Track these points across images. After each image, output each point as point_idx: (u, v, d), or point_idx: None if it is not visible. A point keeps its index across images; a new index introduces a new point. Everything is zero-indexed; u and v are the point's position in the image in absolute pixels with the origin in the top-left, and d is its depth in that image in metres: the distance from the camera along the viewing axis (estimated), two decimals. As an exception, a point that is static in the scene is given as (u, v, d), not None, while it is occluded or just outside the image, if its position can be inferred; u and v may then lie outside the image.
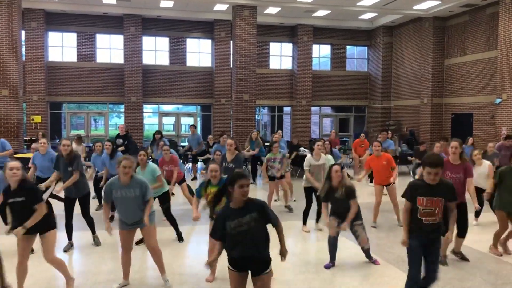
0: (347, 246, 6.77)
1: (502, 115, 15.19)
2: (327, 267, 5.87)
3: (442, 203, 4.02)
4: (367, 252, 6.08)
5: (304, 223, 7.83)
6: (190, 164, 14.51)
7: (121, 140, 12.42)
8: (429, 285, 4.22)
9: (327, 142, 10.09)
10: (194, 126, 14.45)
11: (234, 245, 3.56)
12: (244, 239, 3.52)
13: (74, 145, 11.85)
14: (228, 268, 3.67)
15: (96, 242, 6.80)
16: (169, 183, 8.13)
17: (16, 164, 4.50)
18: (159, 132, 12.48)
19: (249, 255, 3.57)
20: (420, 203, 3.99)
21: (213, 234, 3.69)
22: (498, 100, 15.30)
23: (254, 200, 3.61)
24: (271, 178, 9.01)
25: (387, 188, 8.03)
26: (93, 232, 6.85)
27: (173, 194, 9.68)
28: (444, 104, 19.10)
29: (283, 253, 3.69)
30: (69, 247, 6.57)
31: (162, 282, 5.18)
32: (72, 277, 4.94)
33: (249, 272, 3.66)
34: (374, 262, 6.06)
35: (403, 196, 4.23)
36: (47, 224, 4.63)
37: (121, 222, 5.03)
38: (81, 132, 20.53)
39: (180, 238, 7.07)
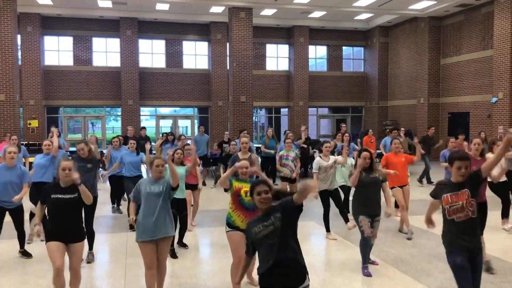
0: (344, 247, 6.78)
1: (499, 114, 15.25)
2: (367, 274, 5.63)
3: (469, 195, 3.82)
4: (370, 249, 5.97)
5: (328, 229, 7.47)
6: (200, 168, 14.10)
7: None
8: None
9: (346, 135, 10.21)
10: (202, 127, 14.25)
11: (265, 254, 3.23)
12: (274, 242, 3.18)
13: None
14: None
15: (89, 259, 6.20)
16: (187, 187, 7.96)
17: (69, 164, 4.52)
18: (172, 133, 12.26)
19: (282, 259, 3.17)
20: (446, 201, 3.85)
21: (247, 250, 3.44)
22: (494, 99, 15.35)
23: (275, 204, 3.33)
24: (284, 179, 8.73)
25: (402, 189, 7.68)
26: (90, 247, 6.23)
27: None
28: (441, 103, 19.16)
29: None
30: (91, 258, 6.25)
31: None
32: None
33: None
34: (372, 263, 6.04)
35: (430, 194, 4.09)
36: (81, 233, 4.63)
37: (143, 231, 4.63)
38: (79, 136, 20.50)
39: (183, 245, 6.87)
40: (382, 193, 5.89)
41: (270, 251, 3.20)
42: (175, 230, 5.49)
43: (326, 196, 7.39)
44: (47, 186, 4.66)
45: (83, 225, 4.76)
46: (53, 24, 19.68)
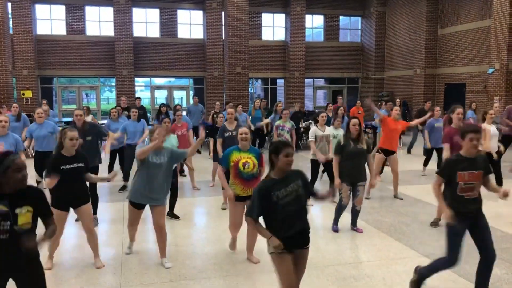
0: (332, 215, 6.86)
1: (495, 85, 15.22)
2: (335, 230, 6.11)
3: (482, 177, 3.91)
4: (356, 214, 6.14)
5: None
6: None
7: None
8: (492, 265, 3.98)
9: (341, 108, 10.30)
10: (196, 97, 14.28)
11: (285, 220, 3.28)
12: (296, 210, 3.30)
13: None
14: (275, 254, 3.31)
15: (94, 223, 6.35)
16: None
17: (75, 134, 4.68)
18: (165, 105, 12.24)
19: (301, 228, 3.37)
20: (462, 178, 3.84)
21: (251, 212, 3.32)
22: (490, 70, 15.30)
23: (293, 170, 3.41)
24: None
25: (390, 158, 7.90)
26: (94, 212, 6.35)
27: (182, 172, 9.66)
28: (437, 74, 19.08)
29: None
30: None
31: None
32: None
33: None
34: (356, 230, 6.16)
35: (439, 173, 4.05)
36: (87, 196, 4.91)
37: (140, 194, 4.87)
38: (73, 107, 20.34)
39: (174, 216, 6.79)
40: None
41: (292, 217, 3.32)
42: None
43: (317, 166, 7.55)
44: (53, 159, 4.73)
45: (88, 189, 5.01)
46: (44, -8, 19.26)
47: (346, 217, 6.28)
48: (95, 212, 6.42)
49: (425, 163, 10.08)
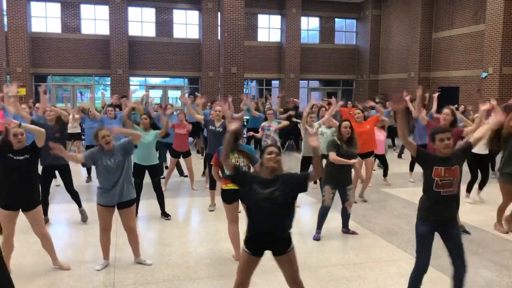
0: (330, 217, 6.89)
1: (488, 89, 15.33)
2: (316, 238, 5.90)
3: (460, 172, 3.79)
4: (348, 217, 6.12)
5: None
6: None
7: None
8: (462, 277, 3.86)
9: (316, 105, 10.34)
10: (192, 97, 14.28)
11: (255, 216, 3.41)
12: (267, 211, 3.34)
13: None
14: (242, 249, 3.53)
15: (83, 217, 6.48)
16: (177, 155, 8.36)
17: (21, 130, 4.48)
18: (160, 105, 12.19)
19: (268, 231, 3.40)
20: (437, 174, 3.72)
21: (223, 155, 3.60)
22: (484, 74, 15.41)
23: (283, 174, 3.49)
24: None
25: (366, 160, 7.81)
26: (79, 205, 6.53)
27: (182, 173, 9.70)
28: (431, 77, 19.20)
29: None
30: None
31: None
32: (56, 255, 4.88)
33: (266, 253, 3.53)
34: (353, 233, 6.13)
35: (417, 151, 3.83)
36: (36, 199, 4.68)
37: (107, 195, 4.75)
38: (68, 105, 20.22)
39: (165, 215, 6.77)
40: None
41: (261, 216, 3.37)
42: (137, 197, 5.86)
43: (307, 163, 7.51)
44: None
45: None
46: (39, -11, 19.18)
47: (337, 219, 6.30)
48: (80, 206, 6.50)
49: (411, 167, 9.80)
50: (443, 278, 4.73)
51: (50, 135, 5.71)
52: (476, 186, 7.96)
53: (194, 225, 6.83)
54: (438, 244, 5.57)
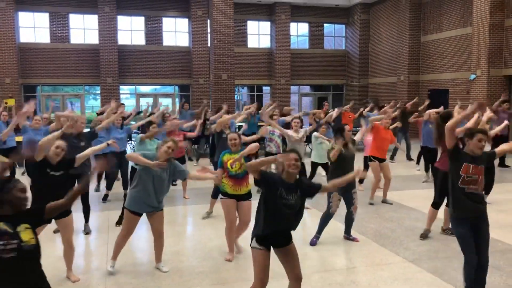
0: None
1: (477, 91, 15.47)
2: (313, 243, 5.89)
3: (483, 173, 4.10)
4: (351, 223, 6.07)
5: None
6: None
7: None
8: (484, 275, 4.14)
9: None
10: (187, 104, 14.38)
11: (275, 216, 3.58)
12: (287, 215, 3.59)
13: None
14: (255, 248, 3.64)
15: (87, 230, 6.49)
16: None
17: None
18: (152, 113, 12.10)
19: (283, 229, 3.68)
20: (465, 170, 4.01)
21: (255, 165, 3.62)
22: (472, 76, 15.56)
23: (303, 181, 3.72)
24: (269, 155, 8.55)
25: (382, 165, 7.96)
26: (86, 220, 6.53)
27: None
28: (421, 81, 19.34)
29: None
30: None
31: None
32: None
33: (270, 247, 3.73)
34: (353, 239, 6.08)
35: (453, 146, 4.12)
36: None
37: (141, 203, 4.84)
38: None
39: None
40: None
41: (283, 217, 3.59)
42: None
43: (315, 167, 7.99)
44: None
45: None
46: (27, -1, 19.10)
47: (330, 224, 6.29)
48: (87, 221, 6.53)
49: (418, 161, 10.57)
50: (436, 281, 4.75)
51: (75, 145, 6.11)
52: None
53: (187, 234, 6.80)
54: (430, 247, 5.60)
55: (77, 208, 6.71)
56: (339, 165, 5.80)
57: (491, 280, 4.76)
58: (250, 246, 3.71)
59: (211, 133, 8.66)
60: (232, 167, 5.18)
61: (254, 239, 3.66)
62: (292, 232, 3.77)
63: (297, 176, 3.67)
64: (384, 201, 8.09)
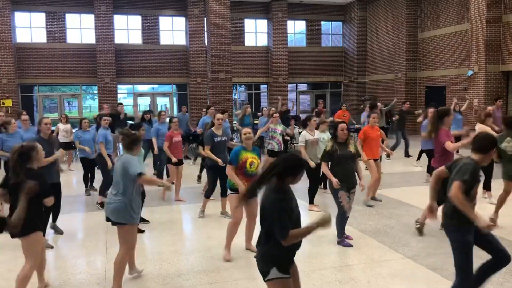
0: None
1: (474, 87, 15.49)
2: (348, 245, 5.75)
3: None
4: (346, 221, 5.98)
5: (311, 202, 7.58)
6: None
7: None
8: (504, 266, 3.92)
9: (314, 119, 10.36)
10: (185, 106, 14.35)
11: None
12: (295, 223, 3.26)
13: (61, 125, 12.04)
14: (282, 278, 3.13)
15: (59, 231, 6.43)
16: (177, 162, 8.22)
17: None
18: (150, 111, 11.98)
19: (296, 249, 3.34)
20: (476, 189, 3.78)
21: (286, 230, 3.10)
22: (469, 73, 15.57)
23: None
24: (271, 153, 8.58)
25: (375, 162, 7.88)
26: (54, 219, 6.41)
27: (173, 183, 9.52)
28: (418, 77, 19.35)
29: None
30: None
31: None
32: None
33: None
34: (347, 237, 5.95)
35: (464, 181, 3.59)
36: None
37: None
38: (55, 116, 20.12)
39: (143, 220, 6.66)
40: None
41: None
42: None
43: (315, 170, 7.49)
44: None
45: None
46: (23, -1, 19.04)
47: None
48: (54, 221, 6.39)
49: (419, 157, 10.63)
50: (435, 277, 4.75)
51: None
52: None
53: (185, 233, 6.79)
54: (430, 243, 5.60)
55: (75, 209, 6.74)
56: (338, 165, 5.78)
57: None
58: (268, 280, 3.14)
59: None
60: (251, 167, 5.26)
61: (275, 268, 3.11)
62: None
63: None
64: (373, 198, 8.01)
